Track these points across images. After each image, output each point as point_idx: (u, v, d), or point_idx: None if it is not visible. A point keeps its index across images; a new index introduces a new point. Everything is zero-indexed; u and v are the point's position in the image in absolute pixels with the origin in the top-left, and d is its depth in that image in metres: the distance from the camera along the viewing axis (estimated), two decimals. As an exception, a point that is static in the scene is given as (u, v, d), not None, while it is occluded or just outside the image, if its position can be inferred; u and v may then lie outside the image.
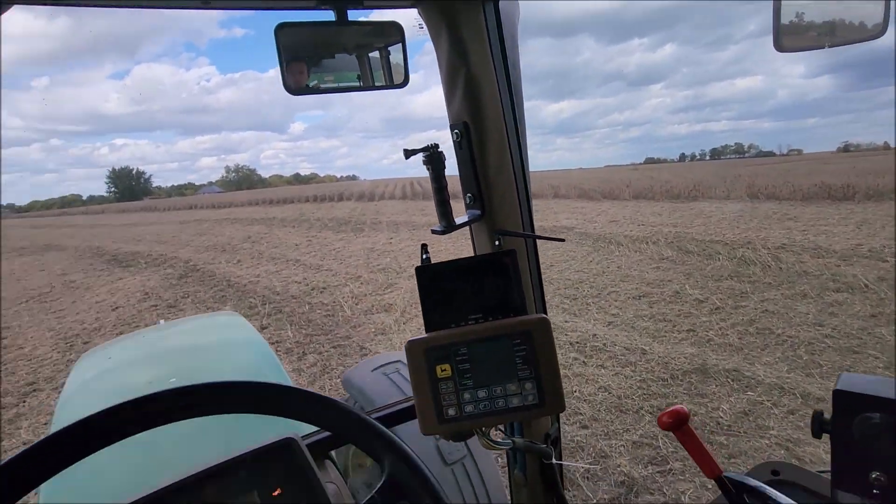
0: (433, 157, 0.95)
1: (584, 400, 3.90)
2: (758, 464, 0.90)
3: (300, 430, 0.86)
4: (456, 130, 0.99)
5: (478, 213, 1.03)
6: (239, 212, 29.52)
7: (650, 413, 3.58)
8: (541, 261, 1.14)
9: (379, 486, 0.66)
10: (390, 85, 0.94)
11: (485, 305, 0.79)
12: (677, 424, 0.71)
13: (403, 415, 1.11)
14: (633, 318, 5.66)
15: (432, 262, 0.80)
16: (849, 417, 0.65)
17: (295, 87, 0.87)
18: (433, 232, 0.99)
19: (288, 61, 0.85)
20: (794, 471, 0.86)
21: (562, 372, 0.80)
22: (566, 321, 5.75)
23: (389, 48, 0.93)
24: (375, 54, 0.93)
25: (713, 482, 0.71)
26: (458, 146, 1.01)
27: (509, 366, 0.75)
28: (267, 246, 14.04)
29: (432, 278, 0.79)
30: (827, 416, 0.67)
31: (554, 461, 1.06)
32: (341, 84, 0.91)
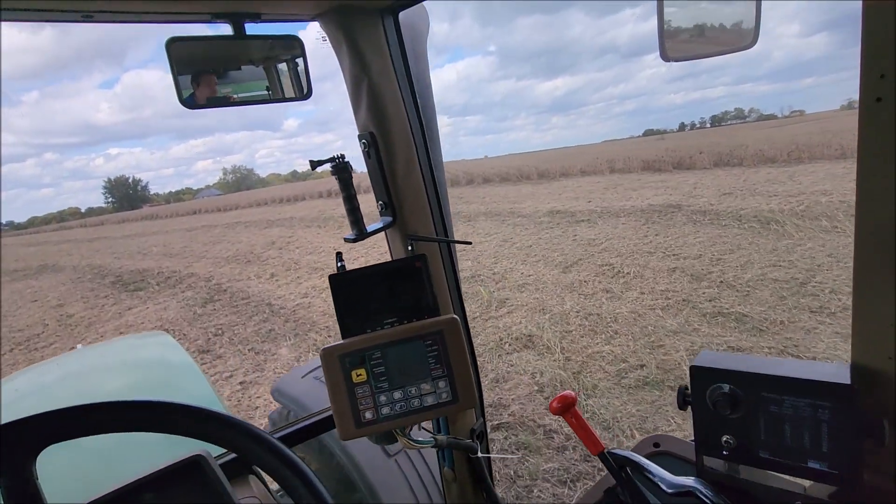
0: (339, 167, 0.94)
1: None
2: (643, 438, 1.01)
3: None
4: (363, 140, 0.99)
5: (389, 219, 1.03)
6: (248, 214, 27.13)
7: None
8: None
9: None
10: (300, 96, 0.94)
11: (398, 309, 0.85)
12: (566, 408, 0.81)
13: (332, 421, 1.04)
14: None
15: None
16: (703, 389, 0.75)
17: (197, 100, 0.85)
18: (345, 240, 0.98)
19: (194, 74, 0.84)
20: (671, 441, 0.97)
21: None
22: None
23: (297, 60, 0.92)
24: (283, 66, 0.92)
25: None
26: (367, 155, 1.00)
27: (422, 366, 0.81)
28: (300, 252, 11.71)
29: (346, 286, 0.84)
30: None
31: (480, 455, 1.09)
32: (247, 96, 0.90)
